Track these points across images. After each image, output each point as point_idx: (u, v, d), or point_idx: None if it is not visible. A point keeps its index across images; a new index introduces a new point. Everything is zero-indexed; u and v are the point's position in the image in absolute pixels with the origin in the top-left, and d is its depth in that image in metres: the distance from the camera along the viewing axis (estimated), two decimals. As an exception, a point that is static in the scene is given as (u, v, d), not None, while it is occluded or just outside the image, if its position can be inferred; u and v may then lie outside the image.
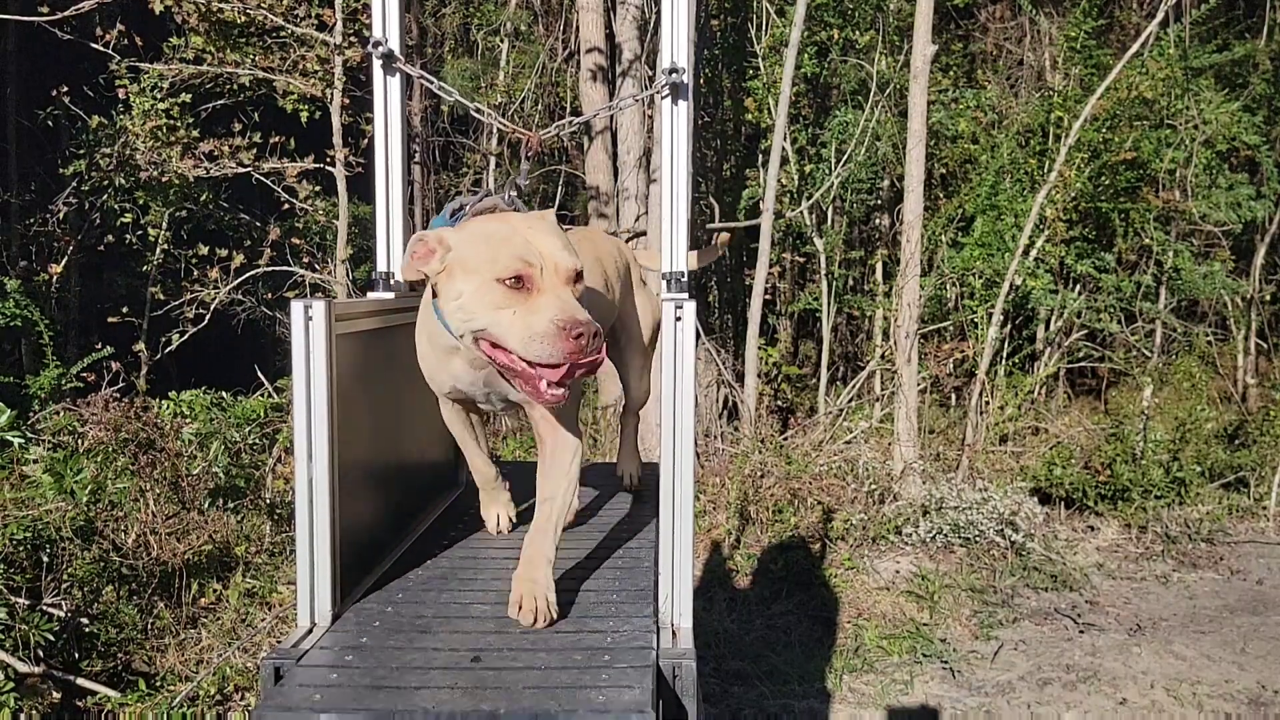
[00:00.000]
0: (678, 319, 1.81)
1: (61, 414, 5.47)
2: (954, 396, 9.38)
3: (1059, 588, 5.80)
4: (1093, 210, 8.75)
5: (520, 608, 1.77)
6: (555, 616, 1.79)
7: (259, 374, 6.80)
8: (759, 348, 7.88)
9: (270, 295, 8.07)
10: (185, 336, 7.15)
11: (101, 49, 6.80)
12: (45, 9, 6.37)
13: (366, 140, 5.76)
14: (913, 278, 6.97)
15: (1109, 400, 9.94)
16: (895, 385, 7.21)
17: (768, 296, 8.95)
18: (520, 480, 2.50)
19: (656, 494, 1.90)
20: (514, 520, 2.42)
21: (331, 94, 6.72)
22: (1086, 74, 8.51)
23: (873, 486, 6.69)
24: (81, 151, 7.38)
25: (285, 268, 7.41)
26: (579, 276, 1.70)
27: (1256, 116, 8.62)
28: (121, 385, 6.23)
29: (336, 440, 1.82)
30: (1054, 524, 6.87)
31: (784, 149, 7.97)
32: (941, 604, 5.42)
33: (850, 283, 9.71)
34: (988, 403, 7.93)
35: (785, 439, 7.52)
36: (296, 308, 1.76)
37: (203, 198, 7.79)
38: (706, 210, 9.16)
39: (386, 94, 2.42)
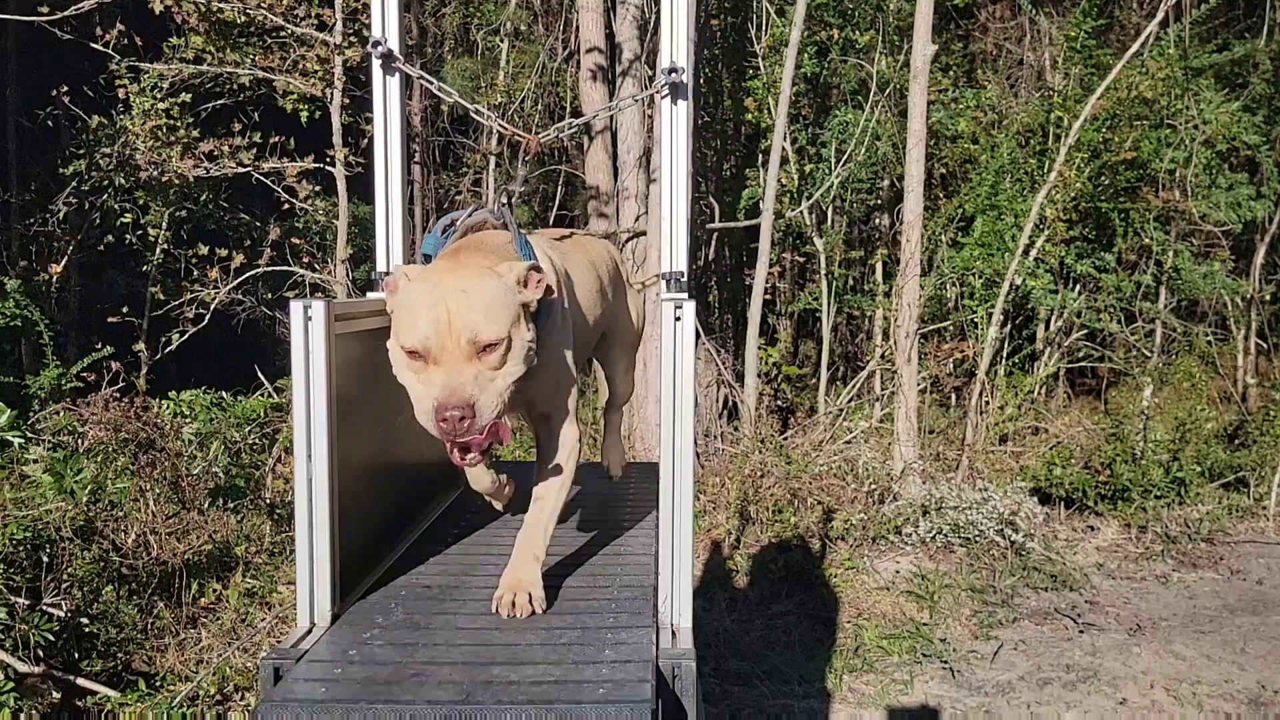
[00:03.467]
0: (678, 319, 1.81)
1: (61, 414, 5.46)
2: (954, 396, 9.38)
3: (1059, 588, 5.80)
4: (1093, 210, 8.75)
5: (500, 602, 1.84)
6: (541, 610, 1.84)
7: (259, 374, 6.80)
8: (759, 348, 7.88)
9: (270, 295, 8.07)
10: (185, 336, 7.14)
11: (101, 49, 6.79)
12: (45, 9, 6.36)
13: (366, 140, 5.75)
14: (913, 278, 6.97)
15: (1109, 400, 9.93)
16: (895, 385, 7.21)
17: (768, 296, 8.95)
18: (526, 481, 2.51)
19: (657, 494, 1.90)
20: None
21: (331, 94, 6.72)
22: (1086, 74, 8.51)
23: (873, 486, 6.69)
24: (81, 151, 7.37)
25: (285, 268, 7.41)
26: (488, 348, 1.68)
27: (1256, 116, 8.61)
28: (121, 385, 6.22)
29: (336, 440, 1.82)
30: (1054, 524, 6.87)
31: (784, 149, 7.97)
32: (941, 604, 5.42)
33: (850, 283, 9.71)
34: (988, 403, 7.93)
35: (785, 439, 7.52)
36: (296, 308, 1.76)
37: (203, 198, 7.78)
38: (706, 210, 9.16)
39: (386, 94, 2.42)
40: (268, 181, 7.07)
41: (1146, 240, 8.77)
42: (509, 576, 1.89)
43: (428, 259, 2.03)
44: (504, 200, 2.11)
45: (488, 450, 1.71)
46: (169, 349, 7.19)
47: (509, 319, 1.71)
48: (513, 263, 1.81)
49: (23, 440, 4.68)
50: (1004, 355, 8.63)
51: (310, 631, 1.79)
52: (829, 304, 8.75)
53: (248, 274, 7.18)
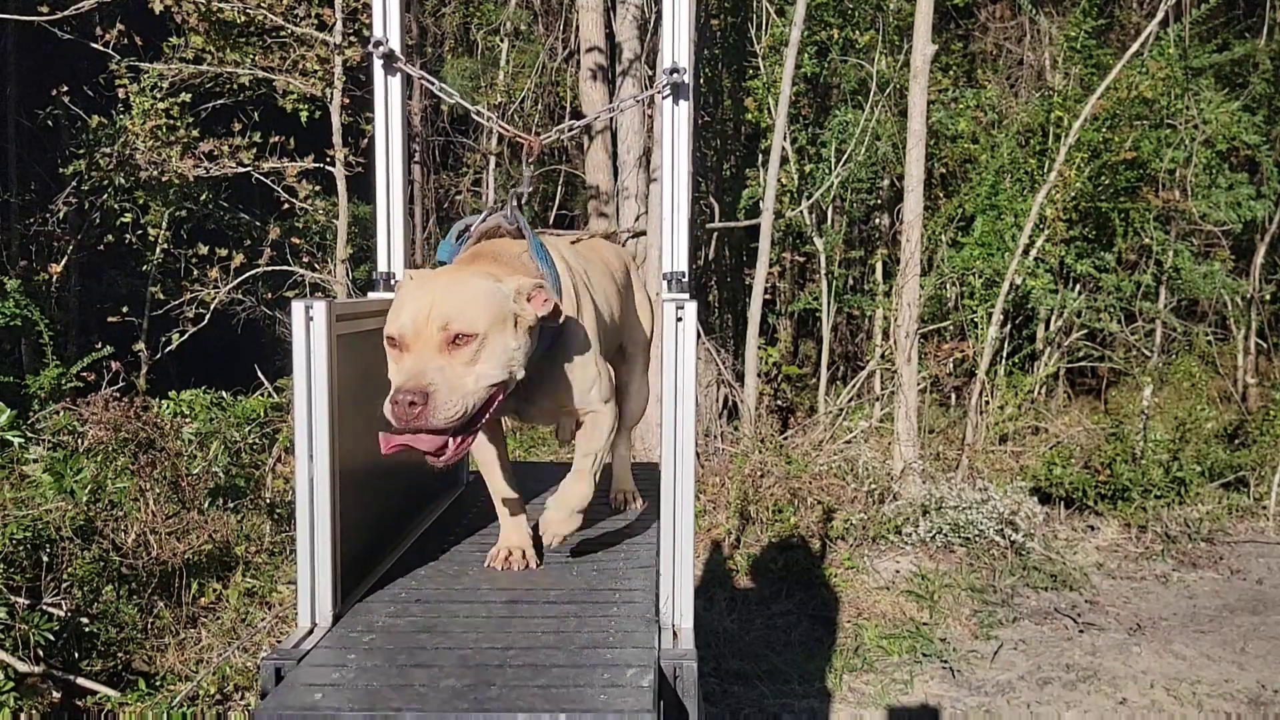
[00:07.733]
0: (678, 319, 1.81)
1: (61, 414, 5.46)
2: (954, 396, 9.38)
3: (1059, 587, 5.80)
4: (1093, 210, 8.74)
5: (545, 528, 2.06)
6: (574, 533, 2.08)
7: (259, 374, 6.79)
8: (759, 348, 7.88)
9: (270, 295, 8.07)
10: (185, 336, 7.14)
11: (101, 49, 6.80)
12: (45, 9, 6.36)
13: (366, 140, 5.76)
14: (913, 277, 6.97)
15: (1109, 400, 9.93)
16: (895, 385, 7.21)
17: (768, 296, 8.95)
18: (526, 481, 2.50)
19: (657, 494, 1.90)
20: (533, 560, 2.18)
21: (331, 94, 6.72)
22: (1086, 74, 8.50)
23: (873, 486, 6.69)
24: (81, 151, 7.37)
25: (285, 268, 7.41)
26: (460, 339, 1.65)
27: (1256, 116, 8.61)
28: (121, 385, 6.22)
29: (337, 440, 1.82)
30: (1054, 524, 6.87)
31: (784, 149, 7.96)
32: (941, 604, 5.42)
33: (850, 282, 9.71)
34: (988, 402, 7.93)
35: (785, 439, 7.52)
36: (297, 308, 1.76)
37: (203, 198, 7.78)
38: (706, 210, 9.16)
39: (387, 94, 2.42)
40: (268, 181, 7.07)
41: (1146, 240, 8.77)
42: (563, 492, 2.06)
43: (443, 265, 2.03)
44: (514, 203, 2.10)
45: (447, 453, 1.65)
46: (169, 349, 7.18)
47: (490, 317, 1.68)
48: (520, 277, 1.80)
49: (23, 440, 4.68)
50: (1004, 355, 8.63)
51: (311, 632, 1.79)
52: (829, 304, 8.74)
53: (248, 274, 7.18)
